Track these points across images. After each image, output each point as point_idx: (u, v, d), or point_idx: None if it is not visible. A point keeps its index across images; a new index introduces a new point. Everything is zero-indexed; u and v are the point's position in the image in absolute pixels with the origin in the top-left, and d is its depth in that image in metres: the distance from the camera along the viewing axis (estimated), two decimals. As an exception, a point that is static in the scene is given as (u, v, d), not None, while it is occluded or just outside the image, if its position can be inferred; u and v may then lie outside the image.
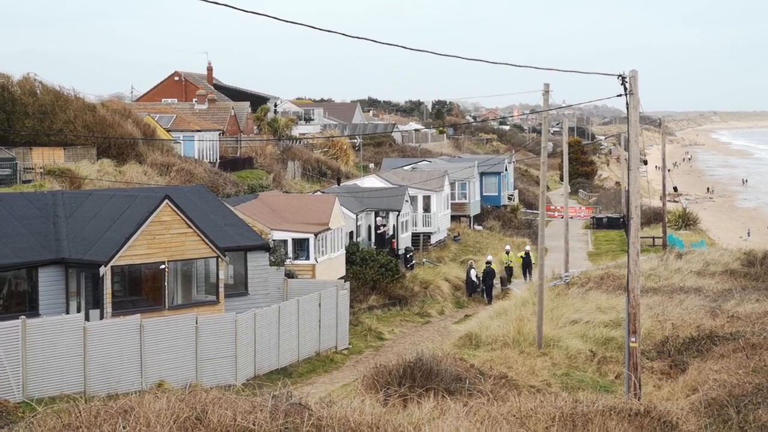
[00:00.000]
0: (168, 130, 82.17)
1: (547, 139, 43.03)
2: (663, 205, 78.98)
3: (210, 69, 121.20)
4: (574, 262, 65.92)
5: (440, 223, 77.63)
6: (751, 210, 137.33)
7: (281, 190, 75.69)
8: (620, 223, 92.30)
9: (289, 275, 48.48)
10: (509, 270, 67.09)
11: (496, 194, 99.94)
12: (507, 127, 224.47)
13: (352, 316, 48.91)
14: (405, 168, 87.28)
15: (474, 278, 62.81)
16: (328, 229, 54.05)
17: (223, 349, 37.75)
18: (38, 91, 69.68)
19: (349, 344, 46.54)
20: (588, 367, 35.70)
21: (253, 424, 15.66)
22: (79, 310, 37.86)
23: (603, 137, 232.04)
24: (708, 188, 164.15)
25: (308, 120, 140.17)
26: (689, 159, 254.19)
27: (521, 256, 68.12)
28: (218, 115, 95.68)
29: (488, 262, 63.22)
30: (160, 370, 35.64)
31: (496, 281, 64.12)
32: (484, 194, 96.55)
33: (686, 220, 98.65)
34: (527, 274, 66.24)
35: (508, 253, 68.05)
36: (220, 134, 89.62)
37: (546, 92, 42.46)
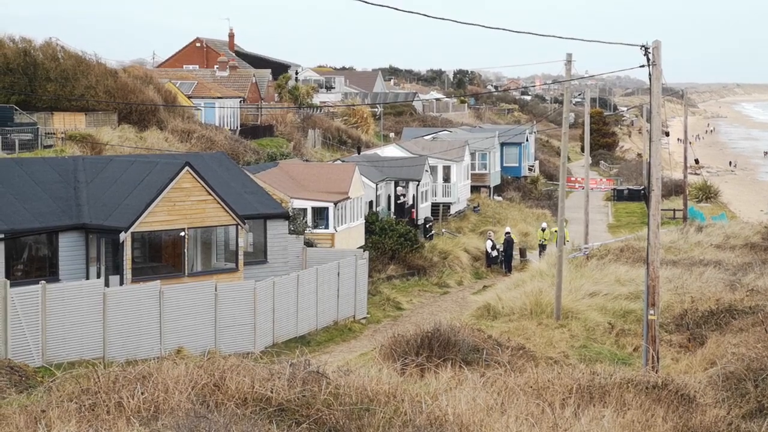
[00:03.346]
0: (189, 97, 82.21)
1: (569, 110, 42.87)
2: (684, 178, 78.63)
3: (232, 36, 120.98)
4: (594, 234, 65.75)
5: (460, 194, 77.54)
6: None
7: (301, 158, 75.66)
8: (641, 195, 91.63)
9: (309, 244, 48.53)
10: (543, 248, 65.99)
11: (517, 165, 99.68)
12: (529, 98, 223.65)
13: (370, 285, 48.95)
14: (425, 137, 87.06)
15: (489, 249, 62.57)
16: (348, 198, 54.04)
17: (241, 317, 37.86)
18: (60, 56, 69.69)
19: (368, 314, 46.62)
20: (606, 340, 35.68)
21: (271, 392, 15.72)
22: (99, 276, 38.02)
23: (625, 108, 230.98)
24: (731, 162, 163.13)
25: (329, 88, 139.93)
26: (711, 131, 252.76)
27: (555, 231, 67.68)
28: (239, 83, 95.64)
29: (507, 233, 63.12)
30: (179, 337, 35.78)
31: (515, 252, 63.99)
32: (504, 165, 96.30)
33: (707, 193, 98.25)
34: None
35: (544, 230, 65.89)
36: (241, 101, 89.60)
37: (568, 62, 42.25)
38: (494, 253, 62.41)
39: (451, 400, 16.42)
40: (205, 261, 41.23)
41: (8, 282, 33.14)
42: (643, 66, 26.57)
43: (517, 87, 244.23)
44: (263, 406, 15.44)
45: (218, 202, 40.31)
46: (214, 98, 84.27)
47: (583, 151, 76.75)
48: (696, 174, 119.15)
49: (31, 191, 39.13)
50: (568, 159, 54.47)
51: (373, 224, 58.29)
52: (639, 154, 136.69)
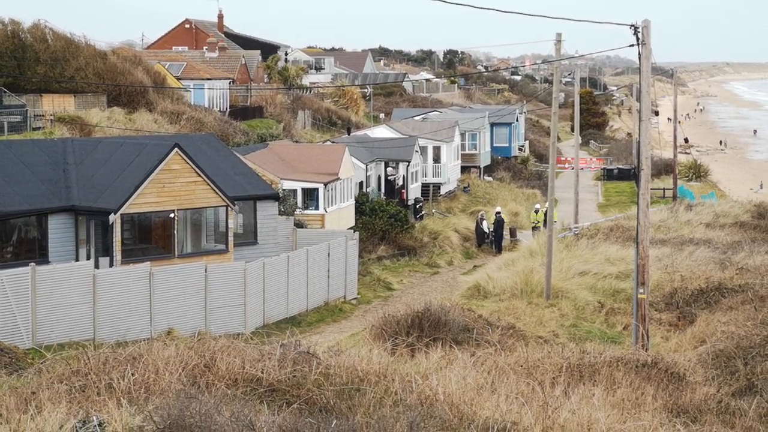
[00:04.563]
0: (178, 78, 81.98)
1: (559, 90, 42.85)
2: (674, 157, 78.74)
3: (221, 17, 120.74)
4: (583, 214, 65.81)
5: (450, 174, 77.53)
6: (763, 162, 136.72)
7: (291, 139, 75.57)
8: (631, 175, 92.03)
9: (299, 225, 48.53)
10: (536, 229, 64.48)
11: (507, 145, 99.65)
12: (518, 78, 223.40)
13: (361, 266, 48.97)
14: (415, 118, 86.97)
15: (486, 229, 62.56)
16: (338, 179, 54.00)
17: (232, 298, 37.86)
18: (49, 38, 69.38)
19: (358, 294, 46.65)
20: (596, 319, 35.78)
21: (262, 372, 15.73)
22: (88, 258, 37.98)
23: (615, 88, 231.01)
24: (721, 141, 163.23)
25: (319, 69, 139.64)
26: (701, 110, 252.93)
27: (544, 212, 67.38)
28: (229, 64, 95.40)
29: (498, 213, 63.13)
30: (169, 318, 35.78)
31: (506, 232, 64.00)
32: (494, 145, 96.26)
33: (697, 172, 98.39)
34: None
35: (537, 212, 63.95)
36: (230, 83, 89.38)
37: (558, 42, 42.22)
38: (485, 228, 62.19)
39: (442, 379, 16.45)
40: (195, 242, 41.19)
41: (-2, 264, 33.10)
42: (632, 45, 26.58)
43: (507, 67, 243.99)
44: (254, 387, 15.45)
45: (208, 184, 40.26)
46: (203, 80, 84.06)
47: (573, 131, 76.79)
48: (686, 153, 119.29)
49: (20, 173, 39.02)
50: (558, 139, 54.48)
51: (363, 205, 58.28)
52: (629, 134, 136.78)
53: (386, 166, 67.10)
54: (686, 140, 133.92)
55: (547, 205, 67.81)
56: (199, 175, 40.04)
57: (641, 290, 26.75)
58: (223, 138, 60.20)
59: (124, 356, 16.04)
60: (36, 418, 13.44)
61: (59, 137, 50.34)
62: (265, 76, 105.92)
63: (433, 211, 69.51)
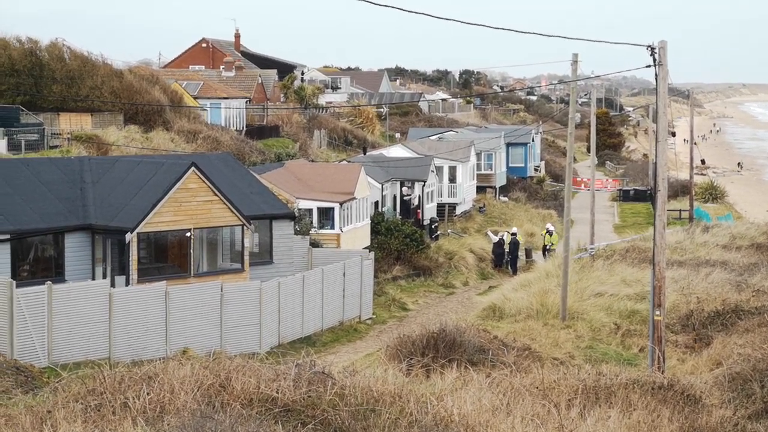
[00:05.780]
0: (195, 97, 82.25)
1: (575, 110, 42.85)
2: (690, 178, 78.57)
3: (237, 36, 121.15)
4: (599, 235, 65.62)
5: (466, 194, 77.50)
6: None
7: (307, 158, 75.68)
8: (647, 196, 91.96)
9: (314, 244, 48.51)
10: (546, 250, 64.12)
11: (523, 165, 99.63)
12: (534, 98, 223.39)
13: (376, 286, 48.92)
14: (431, 138, 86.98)
15: (505, 242, 62.22)
16: (354, 198, 54.01)
17: (247, 317, 37.87)
18: (66, 57, 69.68)
19: (373, 314, 46.59)
20: (612, 340, 35.70)
21: (277, 392, 15.73)
22: (104, 277, 38.03)
23: (631, 109, 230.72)
24: (739, 163, 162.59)
25: (335, 88, 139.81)
26: (717, 131, 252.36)
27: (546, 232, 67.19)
28: (245, 83, 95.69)
29: (513, 234, 63.00)
30: (185, 338, 35.80)
31: (521, 253, 63.86)
32: (510, 165, 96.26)
33: (713, 194, 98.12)
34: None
35: (551, 234, 63.26)
36: (246, 102, 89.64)
37: (574, 62, 42.22)
38: (505, 239, 61.96)
39: (457, 400, 16.42)
40: (211, 261, 41.22)
41: (14, 282, 33.18)
42: (649, 66, 26.61)
43: (523, 87, 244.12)
44: (269, 407, 15.45)
45: (224, 203, 40.32)
46: (220, 99, 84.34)
47: (589, 152, 76.70)
48: (702, 174, 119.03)
49: (37, 192, 39.14)
50: (574, 159, 54.45)
51: (378, 225, 58.26)
52: (645, 155, 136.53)
53: (402, 185, 67.10)
54: (703, 161, 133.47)
55: (556, 225, 68.11)
56: (216, 194, 40.11)
57: (657, 312, 26.69)
58: (239, 157, 60.32)
59: (139, 375, 16.08)
60: (52, 437, 13.47)
61: (76, 156, 50.51)
62: (282, 95, 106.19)
63: (449, 231, 69.44)
